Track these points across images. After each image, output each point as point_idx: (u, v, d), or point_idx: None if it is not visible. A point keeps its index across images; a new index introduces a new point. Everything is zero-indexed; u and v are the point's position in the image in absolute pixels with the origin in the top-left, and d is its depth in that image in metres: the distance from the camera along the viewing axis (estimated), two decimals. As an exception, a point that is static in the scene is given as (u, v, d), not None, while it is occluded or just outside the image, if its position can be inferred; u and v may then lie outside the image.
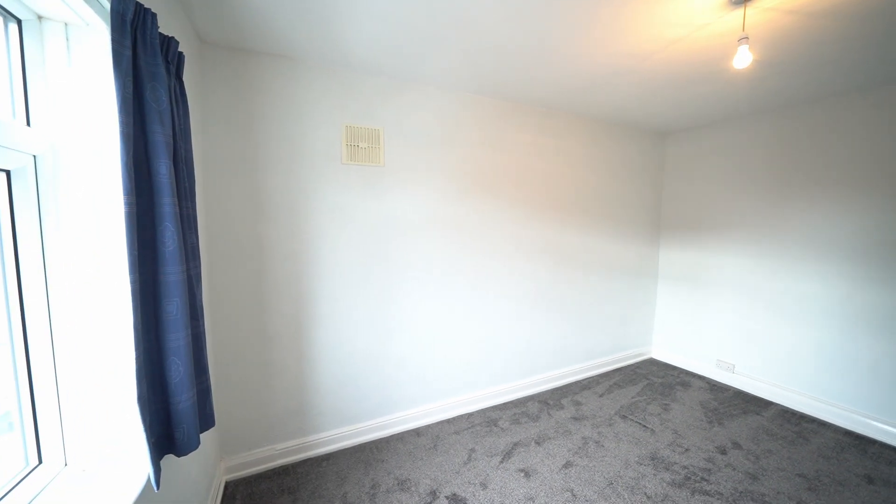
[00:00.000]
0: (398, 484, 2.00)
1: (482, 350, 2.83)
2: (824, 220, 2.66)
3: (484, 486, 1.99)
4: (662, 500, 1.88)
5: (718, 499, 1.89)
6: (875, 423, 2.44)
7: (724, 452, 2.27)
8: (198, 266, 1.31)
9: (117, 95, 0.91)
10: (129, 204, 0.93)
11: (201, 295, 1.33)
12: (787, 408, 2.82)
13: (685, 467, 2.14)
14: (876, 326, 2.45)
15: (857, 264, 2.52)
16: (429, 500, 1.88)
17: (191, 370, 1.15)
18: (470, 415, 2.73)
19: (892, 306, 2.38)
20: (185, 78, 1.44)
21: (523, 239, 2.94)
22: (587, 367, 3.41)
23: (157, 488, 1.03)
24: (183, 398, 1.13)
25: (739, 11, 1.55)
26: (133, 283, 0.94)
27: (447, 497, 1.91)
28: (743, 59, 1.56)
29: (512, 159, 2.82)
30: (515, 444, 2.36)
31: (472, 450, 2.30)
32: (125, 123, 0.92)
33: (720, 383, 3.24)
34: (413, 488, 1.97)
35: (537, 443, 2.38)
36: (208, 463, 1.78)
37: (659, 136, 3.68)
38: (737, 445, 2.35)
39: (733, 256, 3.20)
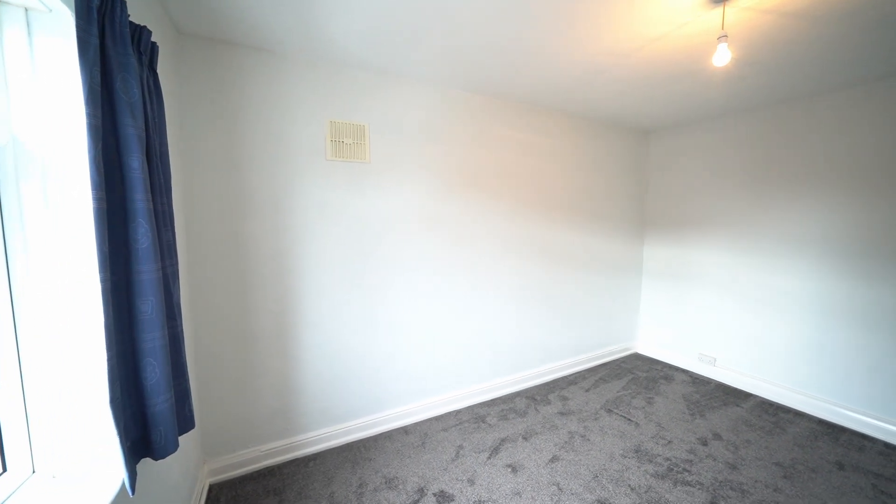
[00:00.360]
0: (386, 482, 1.99)
1: (470, 347, 2.83)
2: (802, 217, 2.74)
3: (471, 482, 1.99)
4: (646, 492, 1.92)
5: (699, 489, 1.94)
6: (846, 412, 2.53)
7: (705, 444, 2.33)
8: (174, 264, 1.28)
9: (84, 86, 0.87)
10: (98, 199, 0.89)
11: (178, 294, 1.29)
12: (766, 399, 2.91)
13: (668, 459, 2.18)
14: (850, 320, 2.53)
15: (832, 260, 2.60)
16: (416, 498, 1.88)
17: (168, 371, 1.12)
18: (458, 412, 2.73)
19: (866, 300, 2.47)
20: (160, 70, 1.39)
21: (511, 236, 2.94)
22: (574, 363, 3.45)
23: (132, 493, 0.99)
24: (160, 400, 1.10)
25: (718, 10, 1.57)
26: (104, 281, 0.90)
27: (435, 494, 1.91)
28: (722, 57, 1.59)
29: (499, 156, 2.82)
30: (503, 440, 2.37)
31: (460, 446, 2.31)
32: (93, 115, 0.88)
33: (702, 376, 3.32)
34: (401, 486, 1.96)
35: (524, 438, 2.39)
36: (190, 466, 1.73)
37: (642, 133, 3.73)
38: (717, 437, 2.41)
39: (715, 252, 3.27)
